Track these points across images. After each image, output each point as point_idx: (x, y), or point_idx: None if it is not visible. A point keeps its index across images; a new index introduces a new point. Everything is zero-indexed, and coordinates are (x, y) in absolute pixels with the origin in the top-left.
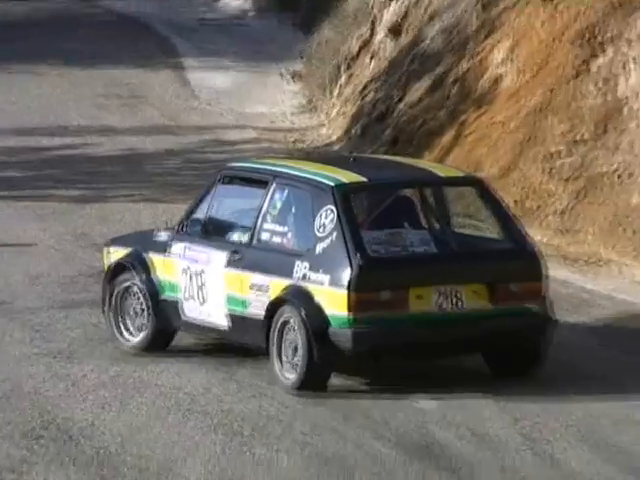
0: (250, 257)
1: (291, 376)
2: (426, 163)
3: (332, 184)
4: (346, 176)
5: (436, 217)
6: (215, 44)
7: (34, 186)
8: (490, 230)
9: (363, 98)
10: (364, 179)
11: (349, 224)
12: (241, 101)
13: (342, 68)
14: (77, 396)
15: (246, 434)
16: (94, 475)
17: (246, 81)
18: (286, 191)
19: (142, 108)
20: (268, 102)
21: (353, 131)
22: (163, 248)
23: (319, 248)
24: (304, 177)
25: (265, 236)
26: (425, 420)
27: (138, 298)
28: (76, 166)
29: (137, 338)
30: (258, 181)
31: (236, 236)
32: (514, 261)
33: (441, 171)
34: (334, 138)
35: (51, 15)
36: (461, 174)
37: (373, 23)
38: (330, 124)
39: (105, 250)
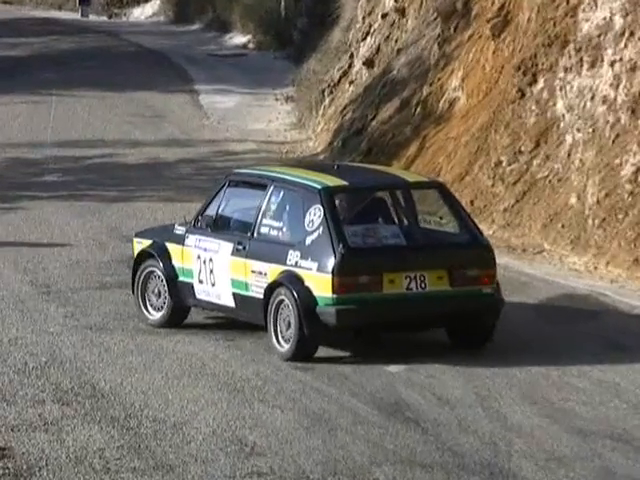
0: (251, 247)
1: (285, 347)
2: (396, 170)
3: (319, 187)
4: (331, 180)
5: (405, 215)
6: (222, 72)
7: (75, 188)
8: (450, 225)
9: (343, 117)
10: (345, 183)
11: (333, 220)
12: (243, 119)
13: (326, 93)
14: (108, 361)
15: (247, 393)
16: (121, 427)
17: (247, 103)
18: (281, 193)
19: (163, 125)
20: (265, 120)
21: (335, 143)
22: (180, 239)
23: (308, 240)
24: (296, 181)
25: (264, 230)
26: (394, 382)
27: (161, 280)
28: (109, 172)
29: (159, 314)
30: (258, 184)
31: (240, 230)
32: (470, 251)
33: (409, 176)
34: (319, 149)
35: (90, 48)
36: (426, 179)
37: (351, 57)
38: (316, 138)
39: (135, 240)
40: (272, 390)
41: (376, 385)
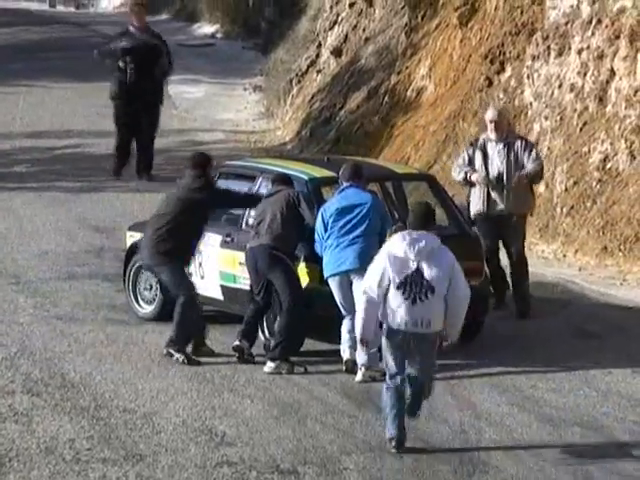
0: (240, 239)
1: (271, 339)
2: (387, 162)
3: (306, 177)
4: (318, 172)
5: (396, 207)
6: (190, 62)
7: (43, 179)
8: (439, 217)
9: (311, 106)
10: (333, 174)
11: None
12: (211, 109)
13: (294, 82)
14: (78, 351)
15: (217, 383)
16: (91, 417)
17: (216, 92)
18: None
19: None
20: (233, 110)
21: (303, 133)
22: None
23: None
24: (284, 172)
25: (252, 221)
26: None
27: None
28: (78, 163)
29: (149, 308)
30: (248, 176)
31: (229, 222)
32: (458, 243)
33: (398, 168)
34: (287, 139)
35: (58, 39)
36: (415, 171)
37: (319, 46)
38: (284, 127)
39: (127, 234)
40: (242, 380)
41: (346, 374)
